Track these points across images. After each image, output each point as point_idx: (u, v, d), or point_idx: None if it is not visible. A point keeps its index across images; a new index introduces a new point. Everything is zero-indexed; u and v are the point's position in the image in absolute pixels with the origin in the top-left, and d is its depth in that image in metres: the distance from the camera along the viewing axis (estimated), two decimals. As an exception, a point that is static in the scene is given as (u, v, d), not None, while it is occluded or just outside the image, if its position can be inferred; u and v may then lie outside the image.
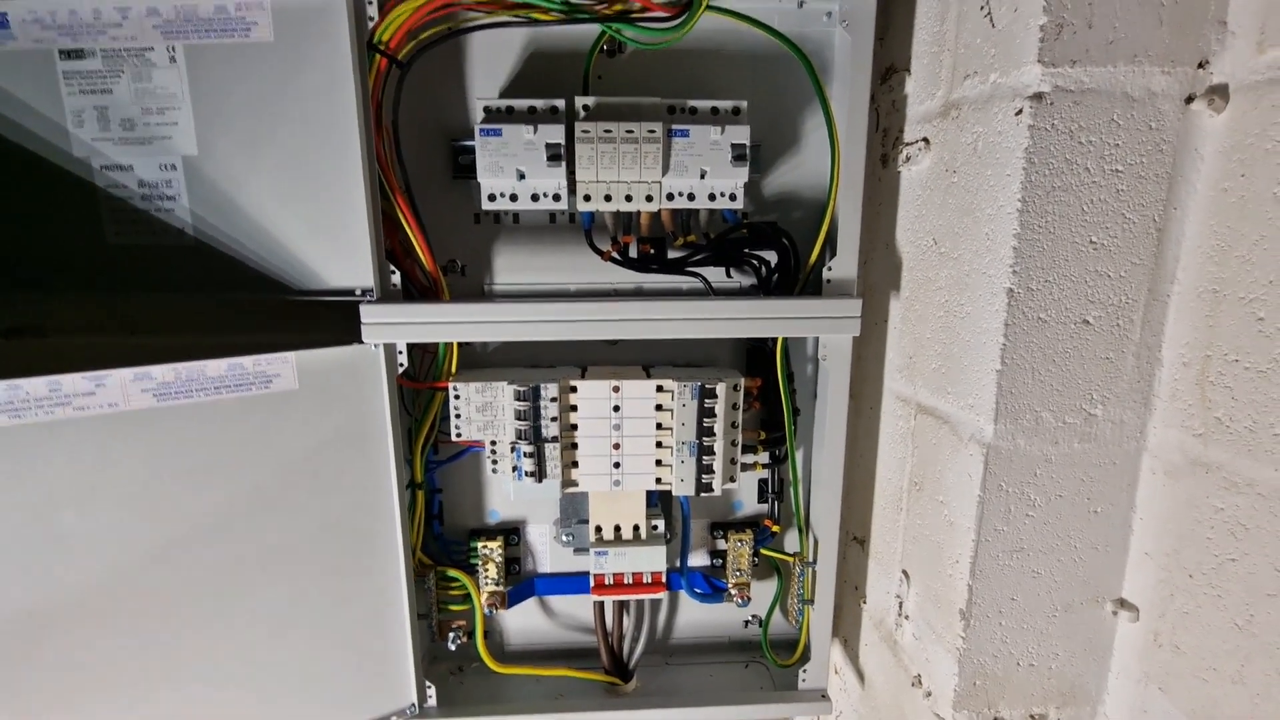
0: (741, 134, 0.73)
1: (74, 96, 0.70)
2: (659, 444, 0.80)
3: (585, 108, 0.74)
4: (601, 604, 0.90)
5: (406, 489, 0.81)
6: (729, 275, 0.84)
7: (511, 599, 0.90)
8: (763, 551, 0.92)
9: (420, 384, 0.82)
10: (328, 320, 0.74)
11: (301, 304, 0.74)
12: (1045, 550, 0.66)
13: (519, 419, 0.78)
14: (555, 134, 0.72)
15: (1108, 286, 0.61)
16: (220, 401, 0.70)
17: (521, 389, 0.77)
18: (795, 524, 0.90)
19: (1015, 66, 0.58)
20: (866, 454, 0.90)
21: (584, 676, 0.91)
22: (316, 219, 0.73)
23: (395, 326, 0.74)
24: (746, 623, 0.98)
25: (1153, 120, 0.58)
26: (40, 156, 0.71)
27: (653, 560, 0.85)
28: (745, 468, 0.88)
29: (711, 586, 0.92)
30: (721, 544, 0.92)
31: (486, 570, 0.87)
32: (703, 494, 0.81)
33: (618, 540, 0.85)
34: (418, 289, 0.79)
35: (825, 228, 0.79)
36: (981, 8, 0.63)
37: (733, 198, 0.76)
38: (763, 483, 0.93)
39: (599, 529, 0.85)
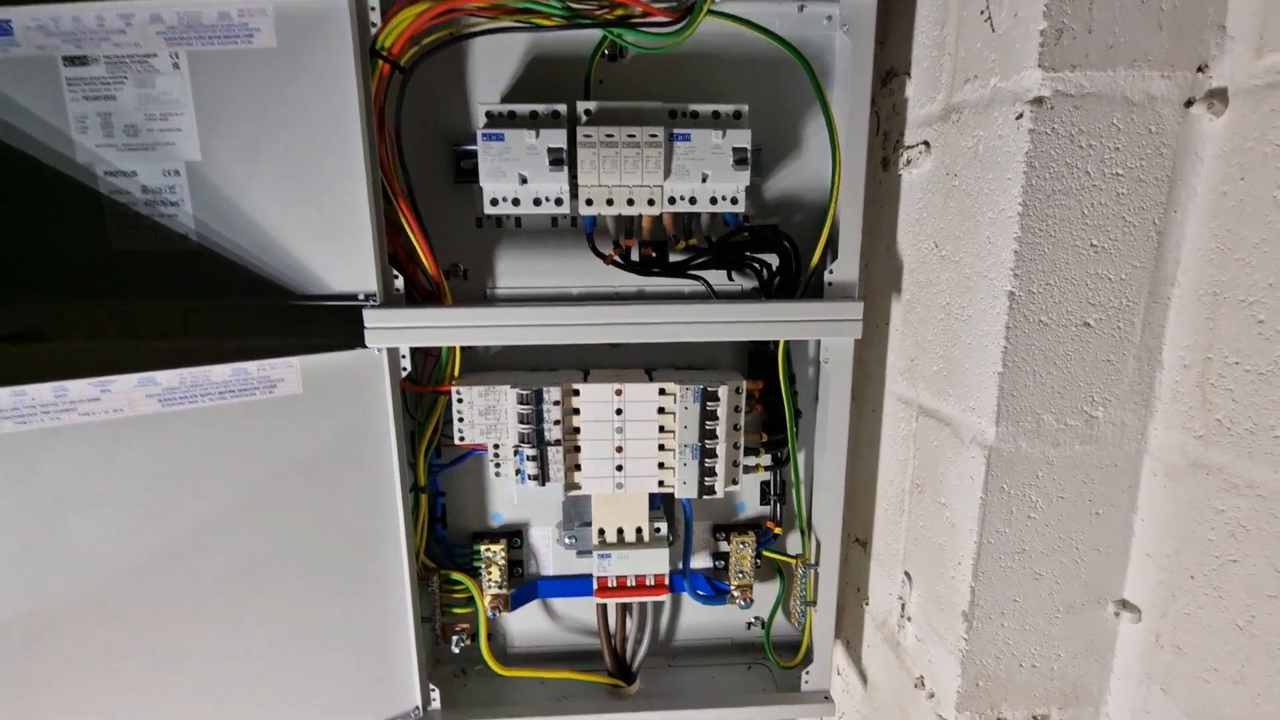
0: (743, 138, 0.73)
1: (77, 103, 0.70)
2: (661, 447, 0.81)
3: (587, 112, 0.74)
4: (604, 606, 0.90)
5: (410, 492, 0.81)
6: (730, 278, 0.84)
7: (514, 602, 0.90)
8: (765, 553, 0.92)
9: (423, 388, 0.82)
10: (331, 325, 0.75)
11: (305, 309, 0.75)
12: (1047, 552, 0.67)
13: (522, 422, 0.78)
14: (557, 138, 0.72)
15: (1108, 289, 0.61)
16: (225, 406, 0.71)
17: (524, 392, 0.77)
18: (797, 526, 0.90)
19: (1015, 71, 0.59)
20: (868, 456, 0.90)
21: (587, 679, 0.91)
22: (320, 224, 0.73)
23: (398, 331, 0.74)
24: (749, 624, 0.98)
25: (1152, 124, 0.58)
26: (44, 163, 0.71)
27: (655, 563, 0.85)
28: (747, 470, 0.89)
29: (714, 588, 0.93)
30: (724, 546, 0.93)
31: (489, 573, 0.87)
32: (705, 496, 0.81)
33: (620, 543, 0.86)
34: (420, 293, 0.79)
35: (826, 231, 0.79)
36: (981, 12, 0.63)
37: (734, 201, 0.76)
38: (765, 485, 0.93)
39: (602, 531, 0.86)
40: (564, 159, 0.72)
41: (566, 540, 0.89)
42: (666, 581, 0.86)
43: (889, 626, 0.86)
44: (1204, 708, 0.60)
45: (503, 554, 0.87)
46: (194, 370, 0.69)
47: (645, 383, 0.79)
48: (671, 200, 0.76)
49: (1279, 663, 0.54)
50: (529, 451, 0.79)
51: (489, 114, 0.74)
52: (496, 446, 0.80)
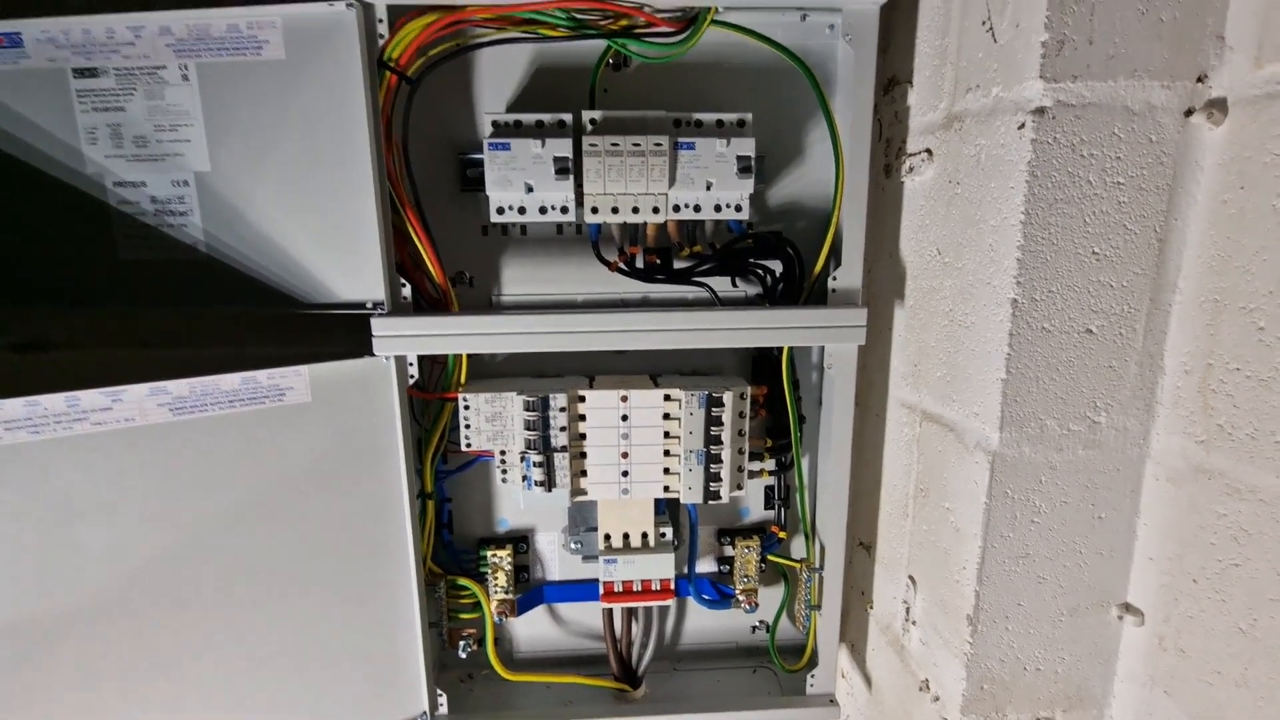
0: (746, 146, 0.74)
1: (87, 114, 0.71)
2: (667, 452, 0.81)
3: (592, 121, 0.75)
4: (610, 611, 0.90)
5: (417, 499, 0.82)
6: (735, 285, 0.85)
7: (521, 607, 0.90)
8: (770, 558, 0.93)
9: (430, 395, 0.82)
10: (339, 333, 0.75)
11: (313, 317, 0.75)
12: (1051, 556, 0.67)
13: (528, 429, 0.78)
14: (563, 148, 0.73)
15: (1110, 296, 0.62)
16: (235, 415, 0.71)
17: (530, 399, 0.78)
18: (802, 530, 0.90)
19: (1017, 81, 0.59)
20: (872, 461, 0.91)
21: (593, 683, 0.92)
22: (327, 233, 0.74)
23: (406, 339, 0.75)
24: (754, 628, 0.99)
25: (1153, 133, 0.59)
26: (53, 174, 0.72)
27: (661, 567, 0.86)
28: (752, 475, 0.89)
29: (719, 593, 0.93)
30: (729, 551, 0.93)
31: (496, 578, 0.88)
32: (710, 501, 0.82)
33: (626, 548, 0.86)
34: (427, 301, 0.80)
35: (830, 238, 0.80)
36: (983, 23, 0.64)
37: (738, 209, 0.77)
38: (769, 490, 0.93)
39: (608, 537, 0.86)
40: (569, 168, 0.73)
41: (572, 545, 0.89)
42: (672, 586, 0.87)
43: (893, 630, 0.87)
44: (1207, 710, 0.60)
45: (509, 559, 0.88)
46: (204, 380, 0.70)
47: (651, 389, 0.80)
48: (676, 208, 0.76)
49: (1281, 666, 0.54)
50: (535, 457, 0.79)
51: (495, 124, 0.74)
52: (503, 453, 0.81)
